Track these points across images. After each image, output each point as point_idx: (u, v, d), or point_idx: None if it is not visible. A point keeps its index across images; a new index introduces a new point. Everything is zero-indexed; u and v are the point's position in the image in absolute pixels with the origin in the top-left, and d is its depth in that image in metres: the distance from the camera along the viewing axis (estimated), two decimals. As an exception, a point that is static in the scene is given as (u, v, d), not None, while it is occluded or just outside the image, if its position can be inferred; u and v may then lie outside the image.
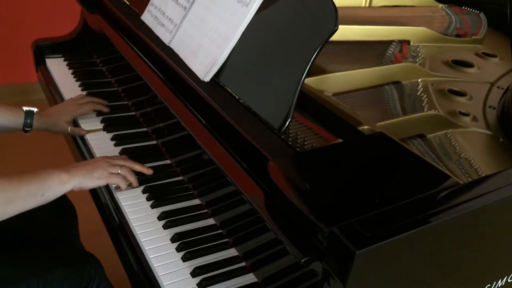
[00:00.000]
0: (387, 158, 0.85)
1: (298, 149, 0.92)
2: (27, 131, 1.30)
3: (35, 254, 1.12)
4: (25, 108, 1.28)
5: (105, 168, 1.08)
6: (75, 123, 1.36)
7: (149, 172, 1.14)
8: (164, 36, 1.20)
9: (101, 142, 1.29)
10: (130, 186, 1.12)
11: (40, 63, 1.71)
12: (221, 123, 0.96)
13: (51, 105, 1.56)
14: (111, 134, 1.31)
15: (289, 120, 0.88)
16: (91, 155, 1.26)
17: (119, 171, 1.09)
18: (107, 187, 1.16)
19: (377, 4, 1.59)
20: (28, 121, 1.28)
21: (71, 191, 1.40)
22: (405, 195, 0.73)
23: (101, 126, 1.36)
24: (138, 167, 1.13)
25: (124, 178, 1.10)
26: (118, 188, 1.11)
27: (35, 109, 1.30)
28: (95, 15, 1.56)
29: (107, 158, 1.11)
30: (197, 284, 0.91)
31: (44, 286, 1.05)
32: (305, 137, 0.97)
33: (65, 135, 1.46)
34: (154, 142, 1.30)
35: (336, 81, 1.17)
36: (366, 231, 0.66)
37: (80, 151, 1.32)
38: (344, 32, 1.30)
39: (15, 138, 1.33)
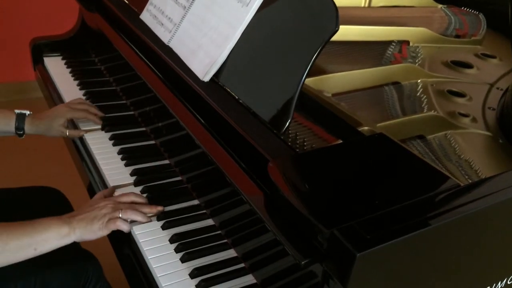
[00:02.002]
0: (387, 160, 0.85)
1: (297, 150, 0.92)
2: (20, 135, 1.27)
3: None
4: (17, 111, 1.26)
5: (105, 215, 0.98)
6: (74, 125, 1.35)
7: (158, 211, 1.04)
8: (164, 35, 1.20)
9: (99, 142, 1.28)
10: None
11: (38, 62, 1.70)
12: (221, 124, 0.95)
13: (49, 103, 1.56)
14: (109, 134, 1.31)
15: (289, 120, 0.88)
16: (89, 155, 1.26)
17: (120, 214, 0.99)
18: (104, 184, 1.16)
19: (376, 4, 1.58)
20: (19, 124, 1.25)
21: (69, 190, 1.40)
22: (406, 197, 0.73)
23: (99, 125, 1.35)
24: (146, 209, 1.03)
25: (126, 221, 1.00)
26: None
27: (27, 112, 1.27)
28: (94, 13, 1.55)
29: (109, 202, 1.01)
30: (196, 285, 0.91)
31: (41, 284, 1.04)
32: (305, 137, 0.97)
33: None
34: (153, 142, 1.29)
35: (336, 81, 1.16)
36: (367, 233, 0.65)
37: (78, 151, 1.31)
38: (344, 32, 1.29)
39: (13, 137, 1.31)
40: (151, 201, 1.08)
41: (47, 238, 0.93)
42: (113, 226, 0.98)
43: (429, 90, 1.20)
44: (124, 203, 1.02)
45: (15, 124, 1.25)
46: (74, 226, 0.96)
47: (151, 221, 1.03)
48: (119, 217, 0.99)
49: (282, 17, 0.96)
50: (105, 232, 0.98)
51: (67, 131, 1.30)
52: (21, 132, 1.27)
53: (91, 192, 1.19)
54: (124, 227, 0.99)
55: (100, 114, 1.36)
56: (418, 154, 0.89)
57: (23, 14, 2.88)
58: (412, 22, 1.46)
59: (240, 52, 1.01)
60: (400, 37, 1.39)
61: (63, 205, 1.33)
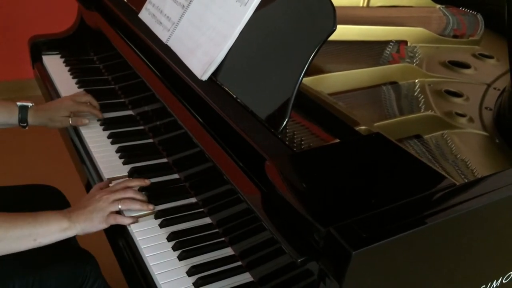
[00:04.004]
0: (384, 159, 0.85)
1: (295, 149, 0.92)
2: (24, 127, 1.29)
3: (30, 251, 1.11)
4: (19, 103, 1.27)
5: (103, 208, 1.00)
6: None
7: (149, 208, 1.04)
8: (162, 34, 1.20)
9: (97, 140, 1.29)
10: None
11: (36, 60, 1.70)
12: (219, 122, 0.96)
13: (47, 101, 1.56)
14: (107, 132, 1.31)
15: (286, 120, 0.88)
16: (88, 154, 1.26)
17: (119, 206, 1.01)
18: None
19: (374, 4, 1.59)
20: (22, 116, 1.26)
21: (67, 188, 1.40)
22: (402, 196, 0.74)
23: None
24: (139, 197, 1.04)
25: (123, 216, 1.02)
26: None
27: (29, 104, 1.28)
28: (92, 12, 1.55)
29: (105, 193, 1.02)
30: (193, 283, 0.91)
31: (39, 283, 1.05)
32: (302, 137, 0.97)
33: (61, 132, 1.46)
34: (151, 140, 1.29)
35: (333, 81, 1.17)
36: (363, 231, 0.66)
37: (76, 149, 1.31)
38: (342, 32, 1.30)
39: (12, 134, 1.32)
40: (149, 199, 1.08)
41: (49, 230, 0.95)
42: (113, 221, 1.00)
43: (427, 90, 1.21)
44: (120, 191, 1.03)
45: (19, 116, 1.26)
46: (74, 221, 0.98)
47: (153, 209, 1.05)
48: (118, 211, 1.01)
49: (280, 16, 0.96)
50: (105, 225, 1.00)
51: (70, 119, 1.31)
52: (25, 124, 1.28)
53: (89, 190, 1.18)
54: (125, 221, 1.01)
55: (98, 108, 1.37)
56: (415, 154, 0.89)
57: (22, 12, 2.87)
58: (410, 22, 1.46)
59: (238, 51, 1.01)
60: (398, 37, 1.39)
61: (61, 203, 1.34)
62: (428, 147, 1.00)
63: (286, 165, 0.82)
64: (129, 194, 1.04)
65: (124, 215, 1.03)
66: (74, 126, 1.34)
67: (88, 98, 1.36)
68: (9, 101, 1.28)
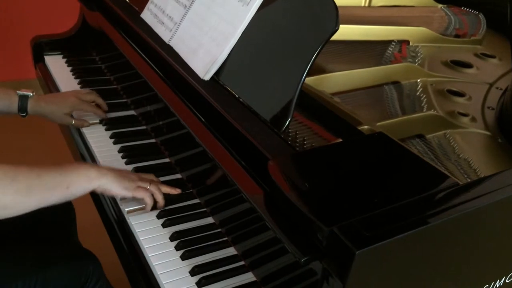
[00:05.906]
0: (386, 158, 0.85)
1: (297, 149, 0.92)
2: (23, 116, 1.28)
3: (33, 251, 1.12)
4: (19, 92, 1.27)
5: (135, 180, 1.03)
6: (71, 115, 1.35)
7: (176, 191, 1.08)
8: (164, 34, 1.20)
9: (100, 140, 1.29)
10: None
11: (38, 60, 1.70)
12: (221, 122, 0.96)
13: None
14: (110, 132, 1.31)
15: (289, 119, 0.89)
16: (90, 153, 1.26)
17: (148, 186, 1.04)
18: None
19: (376, 4, 1.59)
20: (22, 104, 1.26)
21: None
22: (405, 195, 0.74)
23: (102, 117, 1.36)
24: (166, 189, 1.07)
25: (151, 195, 1.04)
26: (132, 212, 1.05)
27: (30, 93, 1.28)
28: (94, 12, 1.56)
29: (137, 175, 1.07)
30: (196, 283, 0.91)
31: (42, 282, 1.05)
32: (305, 136, 0.97)
33: (63, 131, 1.46)
34: (153, 140, 1.30)
35: (336, 80, 1.17)
36: (366, 231, 0.66)
37: (79, 149, 1.32)
38: (344, 32, 1.30)
39: (12, 134, 1.32)
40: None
41: (77, 179, 0.96)
42: (140, 194, 1.02)
43: (429, 90, 1.21)
44: (150, 180, 1.07)
45: (18, 104, 1.26)
46: (104, 173, 1.00)
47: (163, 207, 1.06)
48: (148, 189, 1.03)
49: (282, 16, 0.97)
50: (129, 193, 1.02)
51: (73, 120, 1.32)
52: (24, 114, 1.28)
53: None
54: (148, 200, 1.03)
55: (105, 107, 1.38)
56: (418, 153, 0.90)
57: (24, 12, 2.88)
58: (412, 21, 1.46)
59: (241, 51, 1.02)
60: (400, 36, 1.39)
61: (63, 202, 1.34)
62: (430, 147, 1.00)
63: (289, 165, 0.82)
64: (158, 184, 1.07)
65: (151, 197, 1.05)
66: (76, 127, 1.34)
67: (93, 97, 1.36)
68: (10, 89, 1.28)
